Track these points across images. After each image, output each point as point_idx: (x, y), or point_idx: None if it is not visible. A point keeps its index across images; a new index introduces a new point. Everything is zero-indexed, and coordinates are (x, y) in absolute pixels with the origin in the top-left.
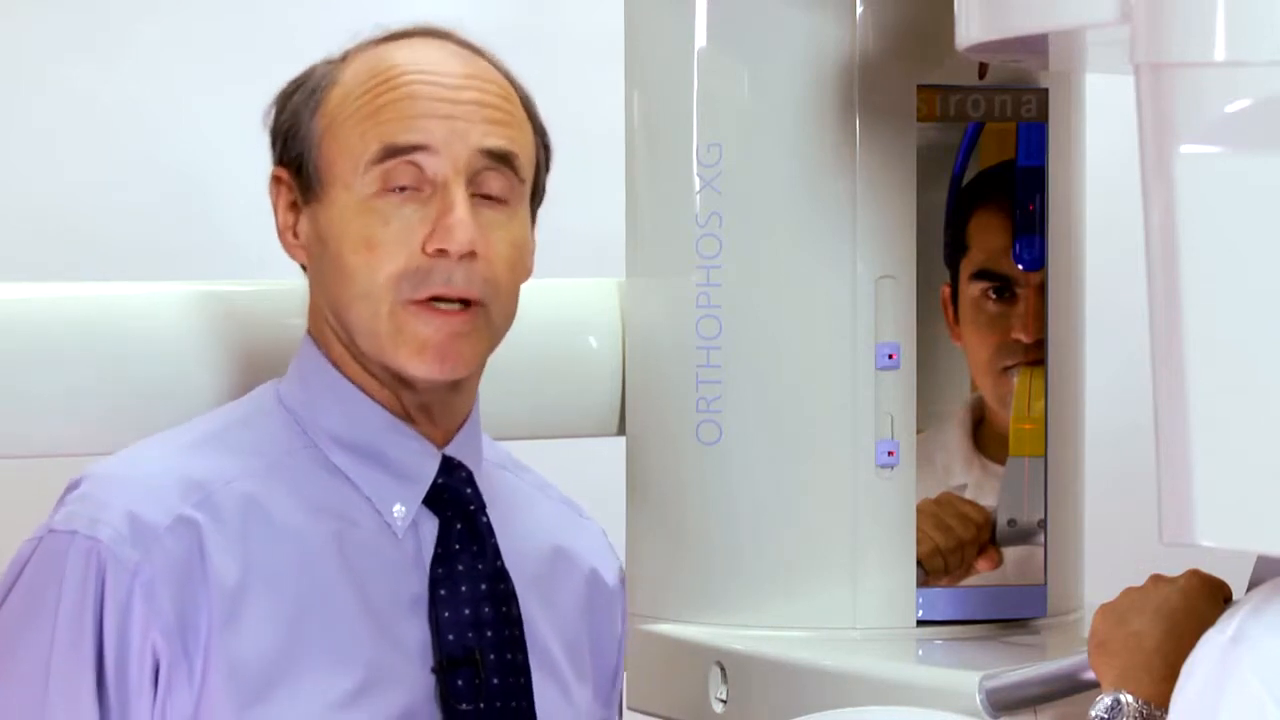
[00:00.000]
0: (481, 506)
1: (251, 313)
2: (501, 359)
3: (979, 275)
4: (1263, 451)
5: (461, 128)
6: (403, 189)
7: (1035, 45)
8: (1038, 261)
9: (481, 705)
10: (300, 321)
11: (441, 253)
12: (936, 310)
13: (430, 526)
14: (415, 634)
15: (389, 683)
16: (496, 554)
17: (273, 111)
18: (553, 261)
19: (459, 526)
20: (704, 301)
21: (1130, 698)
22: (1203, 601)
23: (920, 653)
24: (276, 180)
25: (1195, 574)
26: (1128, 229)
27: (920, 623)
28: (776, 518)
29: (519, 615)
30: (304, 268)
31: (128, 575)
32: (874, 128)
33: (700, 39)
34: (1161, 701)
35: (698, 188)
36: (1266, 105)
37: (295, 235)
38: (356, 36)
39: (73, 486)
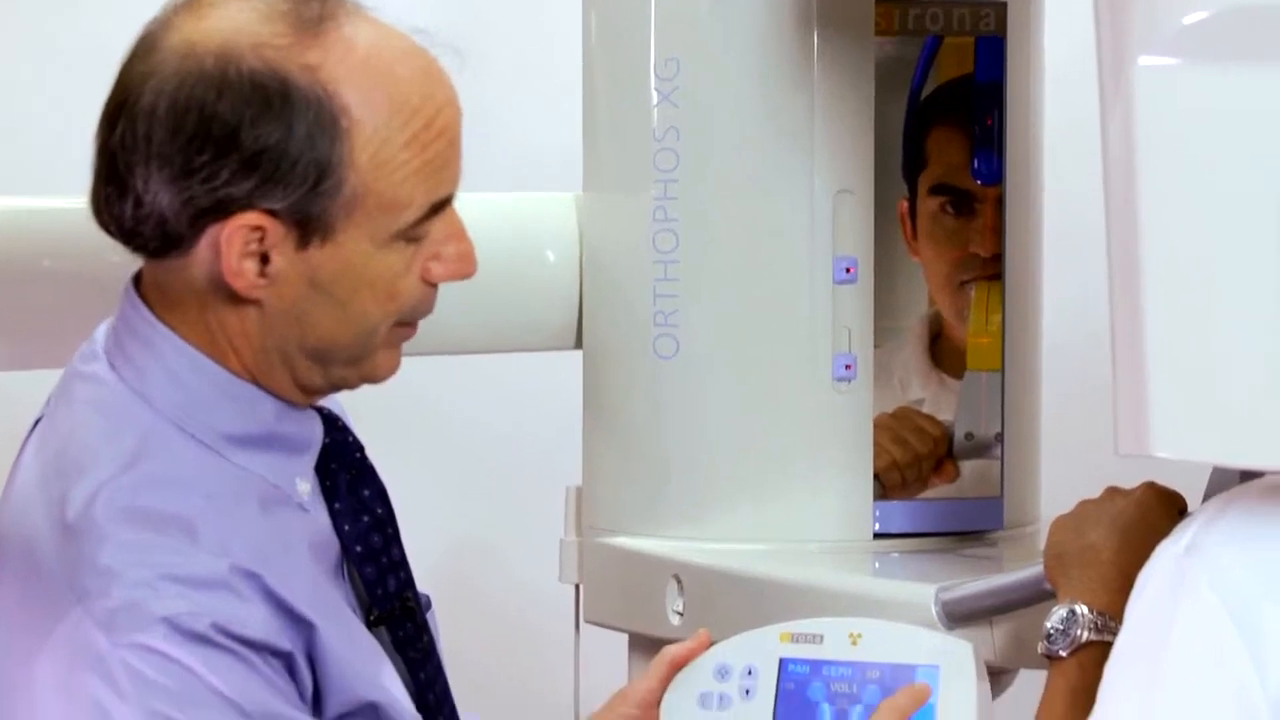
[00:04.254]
0: (362, 448)
1: None
2: None
3: (937, 190)
4: (1217, 363)
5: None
6: None
7: None
8: (995, 176)
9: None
10: None
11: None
12: (894, 225)
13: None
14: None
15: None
16: (384, 495)
17: (201, 123)
18: (510, 176)
19: (347, 476)
20: (661, 216)
21: (1085, 608)
22: (1157, 513)
23: (877, 565)
24: (252, 229)
25: (1150, 486)
26: (1087, 144)
27: (877, 535)
28: (733, 431)
29: (403, 555)
30: (236, 297)
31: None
32: (832, 42)
33: None
34: (1117, 612)
35: (655, 102)
36: (1225, 16)
37: (263, 276)
38: None
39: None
